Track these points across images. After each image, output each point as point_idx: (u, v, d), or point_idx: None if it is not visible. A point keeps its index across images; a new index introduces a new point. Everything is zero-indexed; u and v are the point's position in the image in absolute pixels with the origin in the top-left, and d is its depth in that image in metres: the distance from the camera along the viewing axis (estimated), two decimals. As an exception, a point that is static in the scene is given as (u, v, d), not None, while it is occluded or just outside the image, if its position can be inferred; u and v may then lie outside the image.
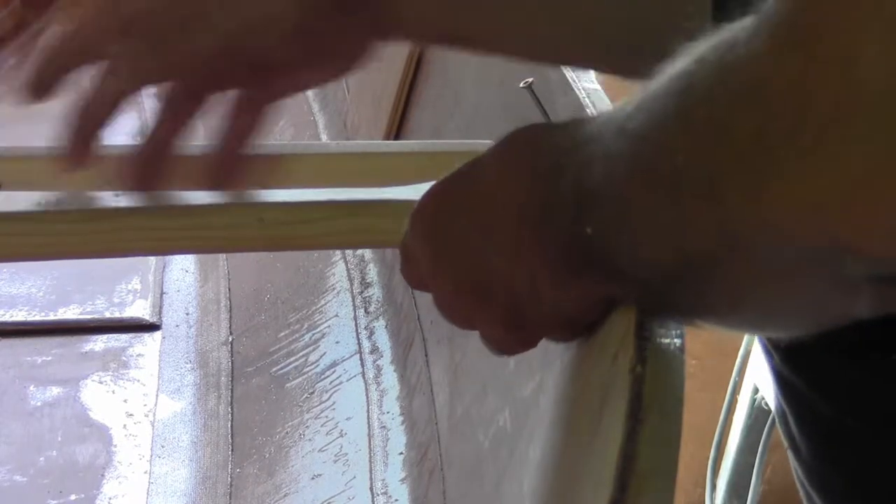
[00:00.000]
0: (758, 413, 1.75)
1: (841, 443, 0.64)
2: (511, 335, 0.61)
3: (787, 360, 0.64)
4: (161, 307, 1.60)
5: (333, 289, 1.45)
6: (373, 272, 1.43)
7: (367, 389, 1.26)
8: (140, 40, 0.67)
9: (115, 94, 0.69)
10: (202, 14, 0.67)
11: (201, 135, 0.70)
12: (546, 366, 0.76)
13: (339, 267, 1.47)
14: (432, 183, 0.63)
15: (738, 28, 0.44)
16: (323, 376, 1.33)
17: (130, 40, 0.67)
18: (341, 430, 1.23)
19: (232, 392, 1.40)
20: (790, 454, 0.68)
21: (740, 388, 1.80)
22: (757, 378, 1.76)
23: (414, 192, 0.72)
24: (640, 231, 0.50)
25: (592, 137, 0.52)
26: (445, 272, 0.61)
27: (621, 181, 0.49)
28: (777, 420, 0.68)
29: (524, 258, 0.56)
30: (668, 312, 0.54)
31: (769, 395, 1.71)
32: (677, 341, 0.54)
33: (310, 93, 1.83)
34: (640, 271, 0.51)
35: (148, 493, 1.26)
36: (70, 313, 1.57)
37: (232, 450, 1.31)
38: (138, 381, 1.45)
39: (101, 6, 0.66)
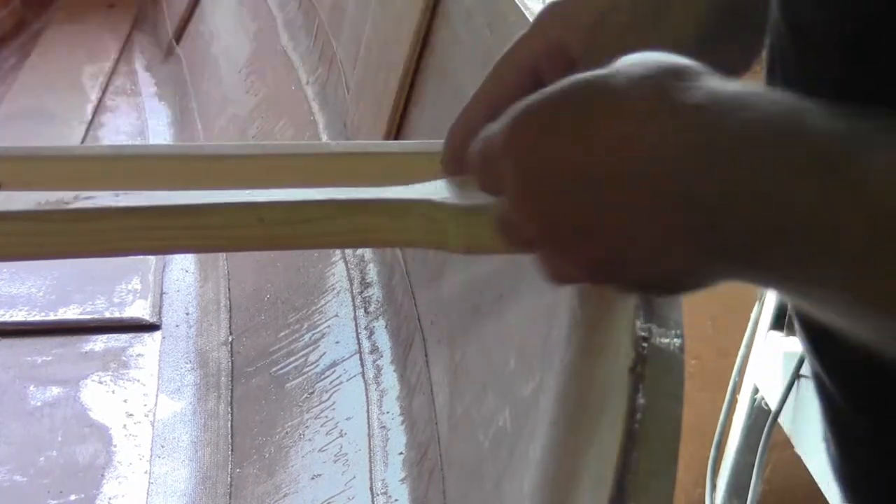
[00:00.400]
0: (758, 413, 1.75)
1: (862, 442, 0.64)
2: (581, 276, 0.57)
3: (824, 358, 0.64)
4: (161, 307, 1.60)
5: (333, 289, 1.45)
6: (373, 272, 1.43)
7: (366, 389, 1.26)
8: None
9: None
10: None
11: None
12: (546, 365, 0.76)
13: (338, 267, 1.47)
14: (431, 183, 0.63)
15: None
16: (323, 376, 1.33)
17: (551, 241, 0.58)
18: (341, 430, 1.23)
19: (232, 392, 1.40)
20: (825, 446, 0.68)
21: (740, 388, 1.80)
22: (757, 378, 1.76)
23: (414, 192, 0.72)
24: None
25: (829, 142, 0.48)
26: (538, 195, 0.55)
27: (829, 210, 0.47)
28: (821, 416, 0.68)
29: (645, 219, 0.51)
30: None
31: (769, 395, 1.71)
32: (677, 341, 0.54)
33: (310, 92, 1.83)
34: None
35: (148, 494, 1.26)
36: (70, 313, 1.57)
37: (232, 450, 1.31)
38: (138, 381, 1.45)
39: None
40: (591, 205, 0.53)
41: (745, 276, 0.51)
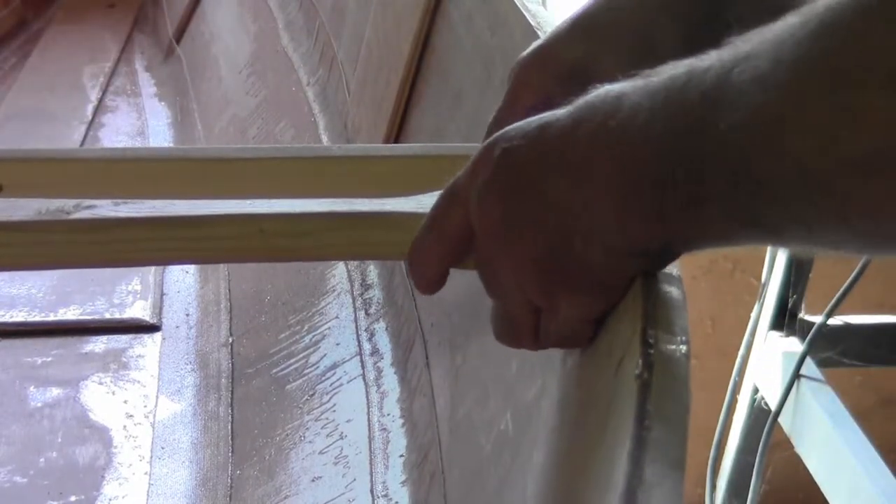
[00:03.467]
0: (758, 413, 1.75)
1: None
2: (539, 280, 0.59)
3: None
4: (161, 308, 1.60)
5: (334, 290, 1.45)
6: (373, 274, 1.43)
7: (367, 391, 1.25)
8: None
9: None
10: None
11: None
12: (549, 370, 0.76)
13: (339, 269, 1.47)
14: (431, 195, 0.62)
15: None
16: (323, 378, 1.33)
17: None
18: (341, 433, 1.23)
19: (232, 393, 1.40)
20: None
21: (740, 388, 1.81)
22: (757, 378, 1.76)
23: (415, 203, 0.72)
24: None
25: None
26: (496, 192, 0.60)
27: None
28: None
29: (591, 182, 0.56)
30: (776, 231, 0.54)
31: (769, 395, 1.71)
32: (683, 347, 0.54)
33: (310, 93, 1.83)
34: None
35: (148, 495, 1.26)
36: (70, 314, 1.57)
37: (232, 451, 1.31)
38: (138, 382, 1.45)
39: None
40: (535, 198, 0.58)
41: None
